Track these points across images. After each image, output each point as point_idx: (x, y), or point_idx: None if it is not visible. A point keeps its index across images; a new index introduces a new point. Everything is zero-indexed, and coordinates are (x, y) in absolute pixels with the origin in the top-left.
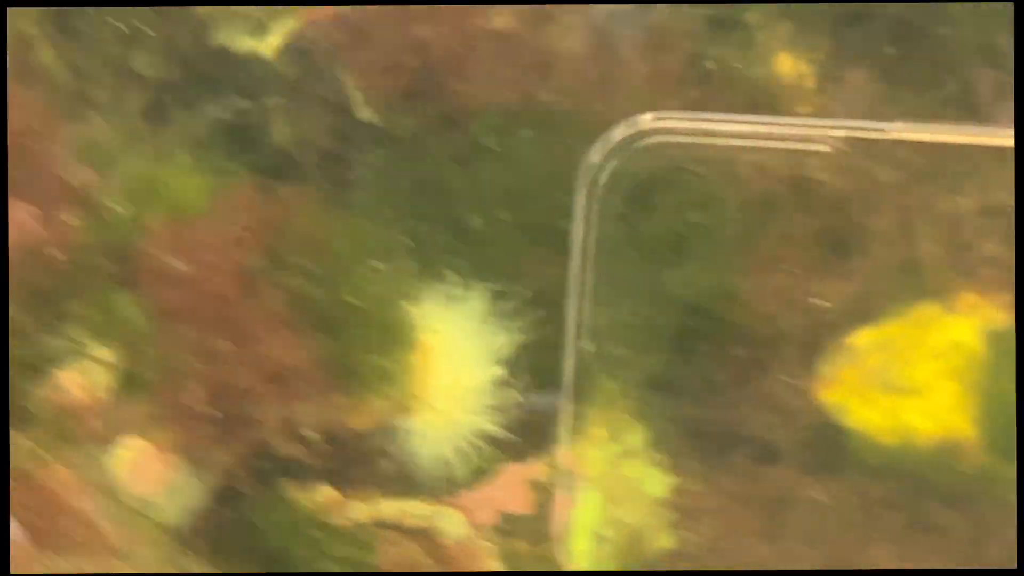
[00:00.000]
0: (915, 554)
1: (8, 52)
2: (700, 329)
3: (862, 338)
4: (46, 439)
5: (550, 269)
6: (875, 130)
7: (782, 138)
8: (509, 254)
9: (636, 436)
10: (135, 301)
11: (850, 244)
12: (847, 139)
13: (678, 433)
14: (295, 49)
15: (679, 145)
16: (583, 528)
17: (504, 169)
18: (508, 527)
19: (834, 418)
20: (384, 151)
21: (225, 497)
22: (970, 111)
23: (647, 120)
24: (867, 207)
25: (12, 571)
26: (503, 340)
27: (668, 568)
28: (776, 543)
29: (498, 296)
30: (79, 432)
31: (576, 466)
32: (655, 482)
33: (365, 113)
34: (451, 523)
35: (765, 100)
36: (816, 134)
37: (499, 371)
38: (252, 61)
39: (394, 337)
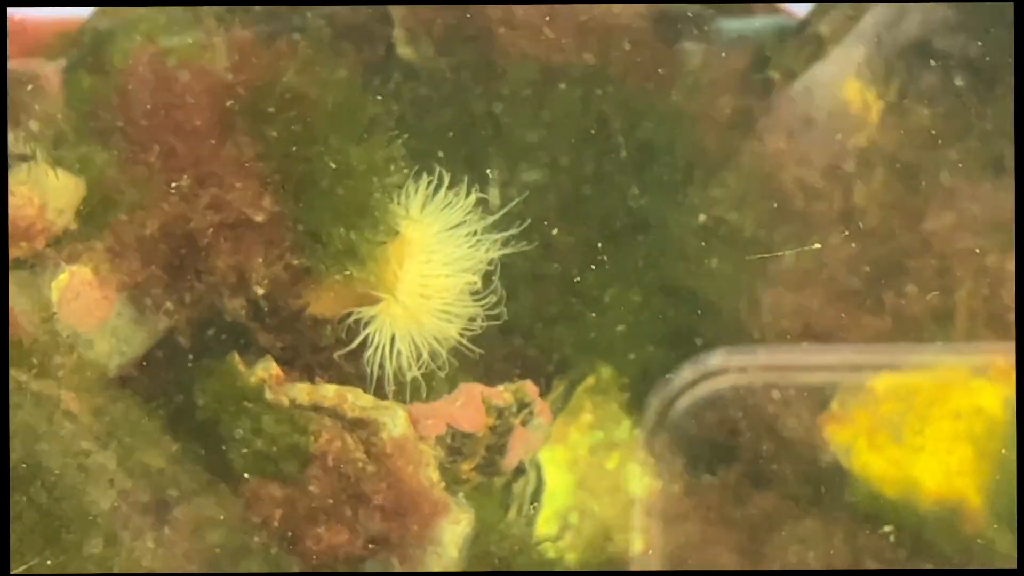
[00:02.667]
0: None
1: None
2: (714, 335)
3: (882, 383)
4: None
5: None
6: None
7: None
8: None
9: (624, 430)
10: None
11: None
12: None
13: (669, 437)
14: None
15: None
16: (548, 509)
17: None
18: (454, 444)
19: (837, 456)
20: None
21: (163, 351)
22: None
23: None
24: None
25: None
26: (484, 251)
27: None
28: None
29: (485, 205)
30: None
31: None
32: (635, 481)
33: None
34: (393, 419)
35: None
36: None
37: (476, 281)
38: None
39: (369, 215)
